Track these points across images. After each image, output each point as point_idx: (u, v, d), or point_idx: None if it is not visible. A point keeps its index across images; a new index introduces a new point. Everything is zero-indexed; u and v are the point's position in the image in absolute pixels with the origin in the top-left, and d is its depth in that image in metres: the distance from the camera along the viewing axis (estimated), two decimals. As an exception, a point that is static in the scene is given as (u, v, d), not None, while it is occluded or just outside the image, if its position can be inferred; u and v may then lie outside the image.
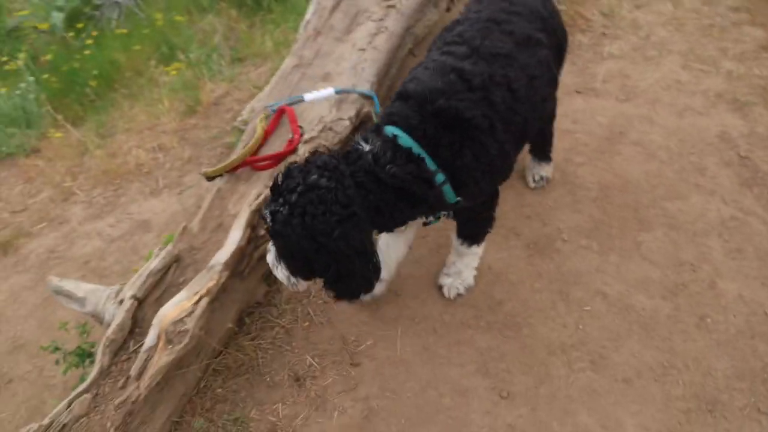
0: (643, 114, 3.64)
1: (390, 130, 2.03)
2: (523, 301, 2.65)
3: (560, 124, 3.04)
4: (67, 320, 2.67)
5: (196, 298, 2.14)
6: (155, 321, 2.12)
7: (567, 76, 2.85)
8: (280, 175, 1.98)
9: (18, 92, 4.67)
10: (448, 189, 2.06)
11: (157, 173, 3.97)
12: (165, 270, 2.42)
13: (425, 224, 2.38)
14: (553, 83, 2.48)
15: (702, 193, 3.08)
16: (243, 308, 2.56)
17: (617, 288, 2.67)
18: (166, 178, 3.91)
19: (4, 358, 3.03)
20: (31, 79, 4.81)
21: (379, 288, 2.65)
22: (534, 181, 3.15)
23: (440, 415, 2.28)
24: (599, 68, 4.07)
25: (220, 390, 2.41)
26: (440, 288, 2.69)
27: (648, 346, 2.45)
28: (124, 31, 5.49)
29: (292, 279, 2.06)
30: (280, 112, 2.92)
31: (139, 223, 3.62)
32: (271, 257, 2.07)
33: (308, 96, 2.88)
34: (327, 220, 1.86)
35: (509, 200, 3.09)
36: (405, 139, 2.00)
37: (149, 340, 2.10)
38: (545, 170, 3.15)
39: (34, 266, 3.52)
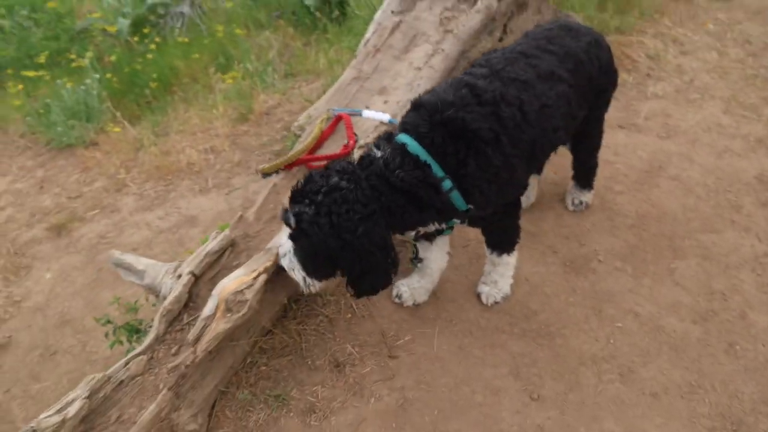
0: (682, 152, 3.74)
1: (401, 138, 2.16)
2: (557, 312, 2.74)
3: (602, 154, 3.15)
4: (116, 299, 2.80)
5: (255, 274, 2.27)
6: (215, 292, 2.24)
7: (610, 111, 2.95)
8: (301, 181, 2.12)
9: (82, 88, 4.92)
10: (456, 196, 2.14)
11: (207, 173, 4.13)
12: (221, 252, 2.54)
13: (438, 233, 2.46)
14: (569, 118, 2.53)
15: (737, 229, 3.17)
16: (291, 295, 2.67)
17: (649, 309, 2.75)
18: (216, 178, 4.07)
19: (51, 331, 3.17)
20: (95, 77, 5.06)
21: (421, 295, 2.78)
22: (573, 204, 3.25)
23: (472, 411, 2.37)
24: (642, 106, 4.21)
25: (264, 367, 2.52)
26: (478, 295, 2.79)
27: (676, 366, 2.52)
28: (186, 40, 5.77)
29: (308, 280, 2.16)
30: (338, 119, 3.07)
31: (186, 218, 3.76)
32: (287, 260, 2.17)
33: (366, 113, 3.05)
34: (351, 218, 1.99)
35: (548, 220, 3.21)
36: (413, 147, 2.11)
37: (207, 309, 2.22)
38: (585, 196, 3.25)
39: (84, 249, 3.68)
